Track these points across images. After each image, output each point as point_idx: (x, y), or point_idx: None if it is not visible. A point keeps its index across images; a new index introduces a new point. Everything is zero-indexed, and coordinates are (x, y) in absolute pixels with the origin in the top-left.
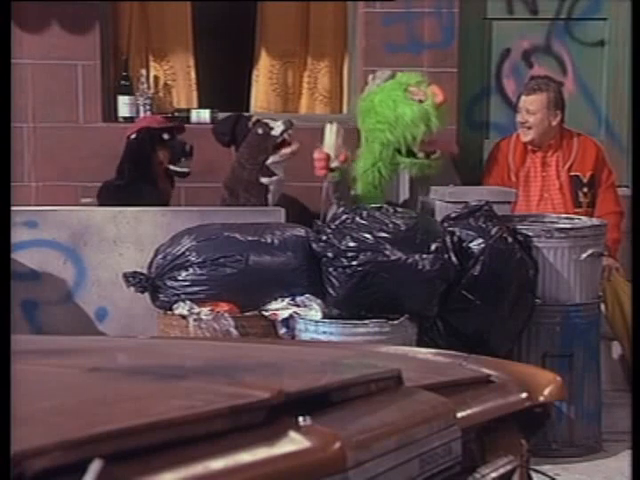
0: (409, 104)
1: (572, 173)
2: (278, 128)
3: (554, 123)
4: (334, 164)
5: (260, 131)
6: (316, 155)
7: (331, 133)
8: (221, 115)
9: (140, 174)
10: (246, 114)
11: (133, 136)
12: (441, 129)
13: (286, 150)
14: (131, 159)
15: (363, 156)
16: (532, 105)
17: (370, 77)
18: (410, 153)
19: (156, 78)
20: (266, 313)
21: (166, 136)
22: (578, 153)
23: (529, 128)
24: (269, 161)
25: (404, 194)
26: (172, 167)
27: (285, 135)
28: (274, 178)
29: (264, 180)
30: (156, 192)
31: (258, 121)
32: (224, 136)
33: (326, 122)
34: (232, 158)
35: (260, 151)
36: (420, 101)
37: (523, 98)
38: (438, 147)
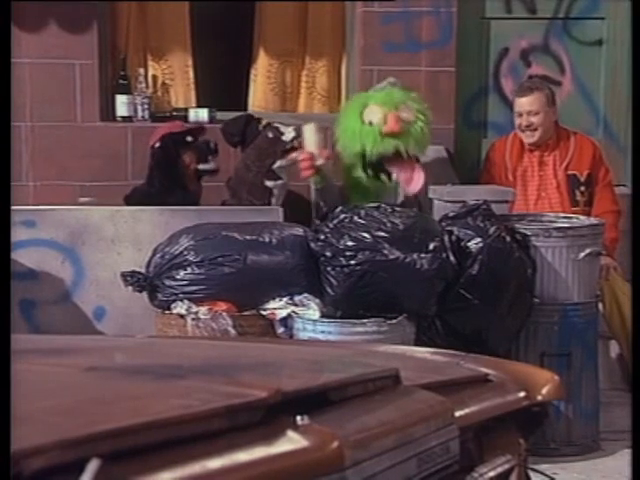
0: (355, 120)
1: (569, 172)
2: (289, 134)
3: (553, 120)
4: (319, 162)
5: (270, 135)
6: (300, 156)
7: (311, 132)
8: (219, 114)
9: (170, 180)
10: (256, 116)
11: (157, 145)
12: (411, 159)
13: (293, 155)
14: (159, 167)
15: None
16: (532, 106)
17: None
18: (376, 174)
19: (154, 77)
20: (264, 312)
21: (189, 138)
22: (575, 152)
23: (535, 130)
24: (276, 165)
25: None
26: (201, 166)
27: (295, 142)
28: (279, 182)
29: (269, 183)
30: (188, 195)
31: (269, 124)
32: (234, 137)
33: (303, 124)
34: (233, 158)
35: (268, 155)
36: (370, 123)
37: (519, 100)
38: (400, 171)
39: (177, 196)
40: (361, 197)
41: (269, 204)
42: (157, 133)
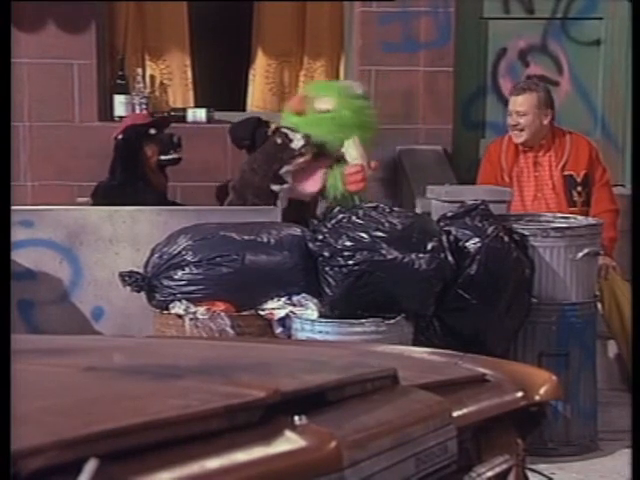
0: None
1: (566, 172)
2: (298, 142)
3: (545, 122)
4: (369, 173)
5: (279, 141)
6: (351, 170)
7: (354, 146)
8: (217, 114)
9: (132, 172)
10: (264, 119)
11: (120, 136)
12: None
13: (300, 160)
14: (121, 158)
15: None
16: (522, 106)
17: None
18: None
19: (152, 77)
20: (262, 312)
21: (152, 131)
22: (571, 152)
23: (521, 130)
24: (282, 170)
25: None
26: (162, 157)
27: (303, 149)
28: (285, 186)
29: (275, 187)
30: (150, 188)
31: (277, 130)
32: (243, 140)
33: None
34: (239, 160)
35: (276, 160)
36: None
37: (512, 99)
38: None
39: (140, 188)
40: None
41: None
42: (122, 125)
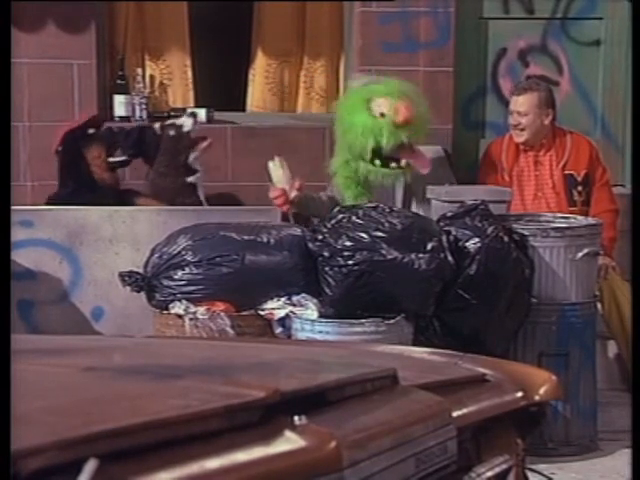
0: (364, 114)
1: (566, 172)
2: (188, 122)
3: (546, 122)
4: (293, 194)
5: (172, 133)
6: (272, 194)
7: (277, 168)
8: (218, 114)
9: (81, 177)
10: (147, 123)
11: (60, 148)
12: (412, 144)
13: (202, 144)
14: (66, 167)
15: (337, 153)
16: (523, 106)
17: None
18: (383, 163)
19: (152, 77)
20: (262, 312)
21: (91, 130)
22: (572, 152)
23: (522, 130)
24: (190, 159)
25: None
26: (111, 159)
27: (196, 126)
28: (198, 174)
29: (190, 179)
30: (103, 188)
31: (165, 125)
32: (130, 149)
33: (270, 161)
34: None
35: (178, 152)
36: (382, 114)
37: (513, 99)
38: (407, 156)
39: (92, 191)
40: (358, 193)
41: (198, 198)
42: (58, 135)
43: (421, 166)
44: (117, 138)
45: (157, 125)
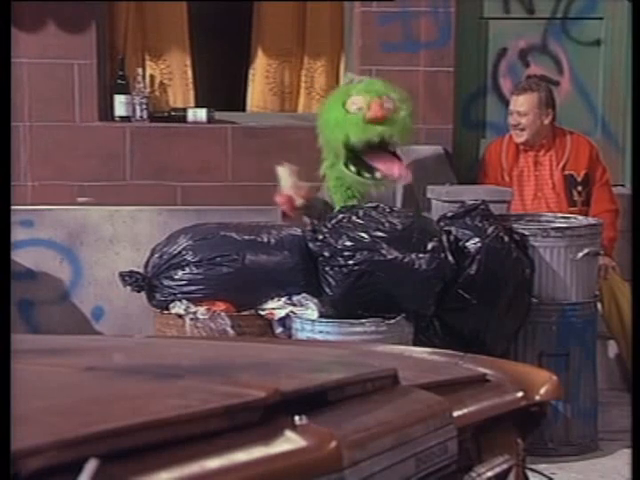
0: (338, 110)
1: (566, 172)
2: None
3: (546, 122)
4: (299, 202)
5: None
6: (278, 200)
7: (285, 174)
8: (218, 114)
9: None
10: None
11: None
12: (391, 148)
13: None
14: None
15: (325, 155)
16: (523, 106)
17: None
18: (359, 170)
19: (152, 77)
20: (262, 312)
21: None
22: (572, 152)
23: (522, 130)
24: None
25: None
26: None
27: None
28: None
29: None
30: None
31: None
32: None
33: (279, 166)
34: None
35: None
36: (359, 110)
37: (513, 99)
38: (383, 167)
39: None
40: (347, 197)
41: None
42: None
43: (394, 175)
44: None
45: None
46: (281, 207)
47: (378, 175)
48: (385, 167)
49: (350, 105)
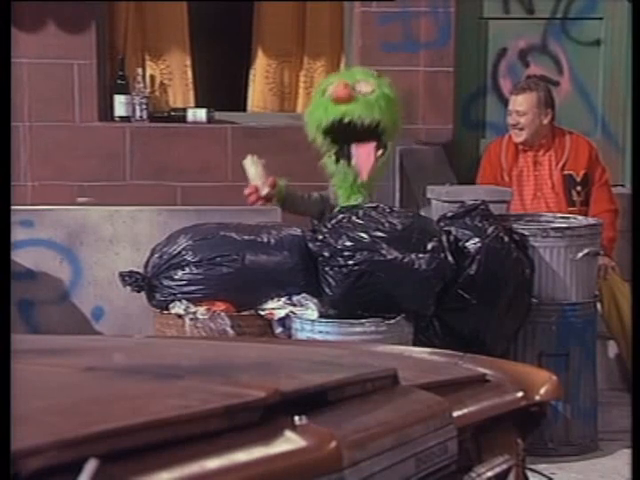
0: (317, 96)
1: (565, 172)
2: None
3: (545, 122)
4: (265, 191)
5: None
6: (246, 191)
7: (251, 166)
8: (218, 115)
9: None
10: None
11: None
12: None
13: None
14: None
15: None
16: (522, 106)
17: None
18: (337, 158)
19: (152, 77)
20: (262, 312)
21: None
22: (571, 152)
23: (521, 129)
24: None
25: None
26: None
27: None
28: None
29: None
30: None
31: None
32: None
33: (244, 159)
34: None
35: None
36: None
37: (512, 98)
38: (361, 155)
39: None
40: (351, 192)
41: None
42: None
43: (361, 167)
44: None
45: None
46: (248, 198)
47: (353, 162)
48: (357, 154)
49: (329, 91)
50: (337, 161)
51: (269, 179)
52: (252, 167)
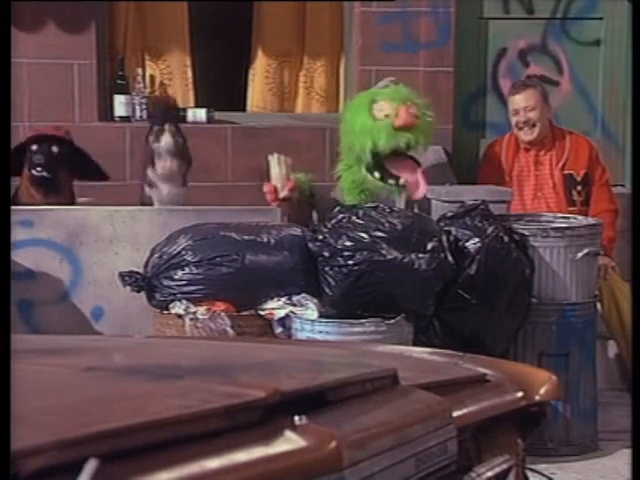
0: (365, 115)
1: (566, 172)
2: (166, 142)
3: (549, 117)
4: (283, 194)
5: (151, 139)
6: (265, 188)
7: (276, 165)
8: (217, 114)
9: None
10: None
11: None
12: (416, 158)
13: (166, 164)
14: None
15: (343, 156)
16: (529, 101)
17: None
18: (383, 176)
19: (152, 77)
20: (262, 312)
21: (34, 147)
22: (571, 152)
23: (533, 125)
24: (148, 172)
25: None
26: (33, 172)
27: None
28: (154, 189)
29: (147, 190)
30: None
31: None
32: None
33: (270, 155)
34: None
35: (145, 161)
36: (386, 116)
37: (514, 98)
38: (407, 175)
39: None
40: (360, 200)
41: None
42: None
43: (414, 188)
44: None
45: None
46: (266, 196)
47: (402, 182)
48: (408, 175)
49: (377, 112)
50: (382, 179)
51: (290, 183)
52: (276, 166)
